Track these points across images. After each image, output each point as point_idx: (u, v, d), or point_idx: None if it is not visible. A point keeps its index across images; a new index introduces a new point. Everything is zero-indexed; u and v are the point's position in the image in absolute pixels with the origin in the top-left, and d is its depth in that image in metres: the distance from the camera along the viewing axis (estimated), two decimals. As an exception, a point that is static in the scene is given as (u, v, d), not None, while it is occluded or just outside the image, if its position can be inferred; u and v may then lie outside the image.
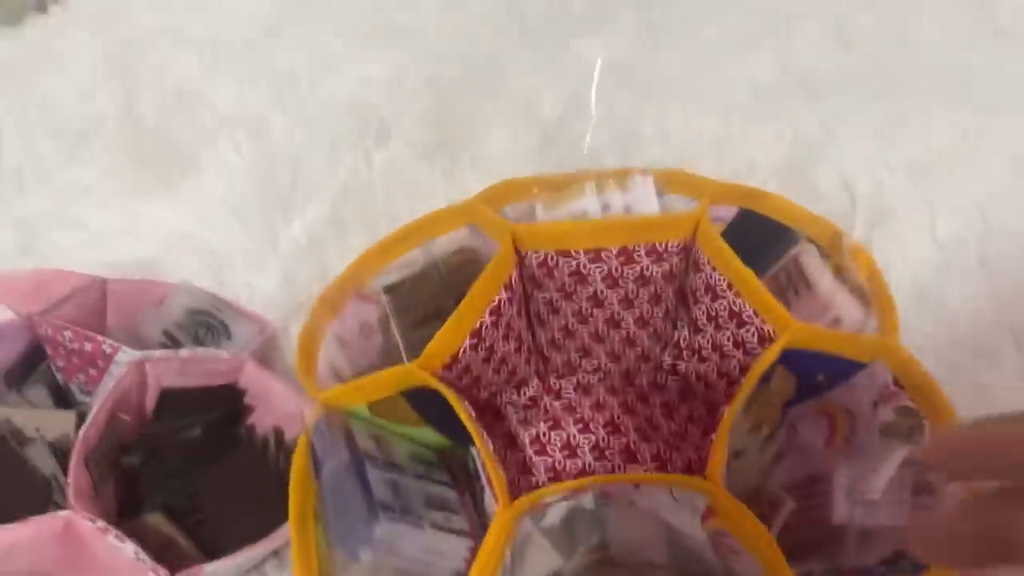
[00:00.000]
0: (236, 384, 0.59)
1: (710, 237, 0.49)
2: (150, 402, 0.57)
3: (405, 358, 0.52)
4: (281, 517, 0.50)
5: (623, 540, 0.47)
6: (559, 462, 0.56)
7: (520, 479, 0.55)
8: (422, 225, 0.56)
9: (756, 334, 0.48)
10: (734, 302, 0.48)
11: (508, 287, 0.49)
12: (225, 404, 0.58)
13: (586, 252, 0.50)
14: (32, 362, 0.56)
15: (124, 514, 0.52)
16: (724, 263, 0.48)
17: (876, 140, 0.76)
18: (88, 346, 0.54)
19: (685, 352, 0.56)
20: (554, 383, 0.59)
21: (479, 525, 0.47)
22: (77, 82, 0.90)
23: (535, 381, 0.58)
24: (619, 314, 0.53)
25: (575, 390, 0.59)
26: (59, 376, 0.57)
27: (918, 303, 0.64)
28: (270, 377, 0.58)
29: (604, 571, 0.49)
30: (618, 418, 0.57)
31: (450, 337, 0.46)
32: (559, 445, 0.56)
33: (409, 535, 0.43)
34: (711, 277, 0.49)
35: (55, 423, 0.53)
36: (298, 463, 0.47)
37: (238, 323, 0.64)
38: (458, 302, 0.47)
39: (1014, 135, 0.75)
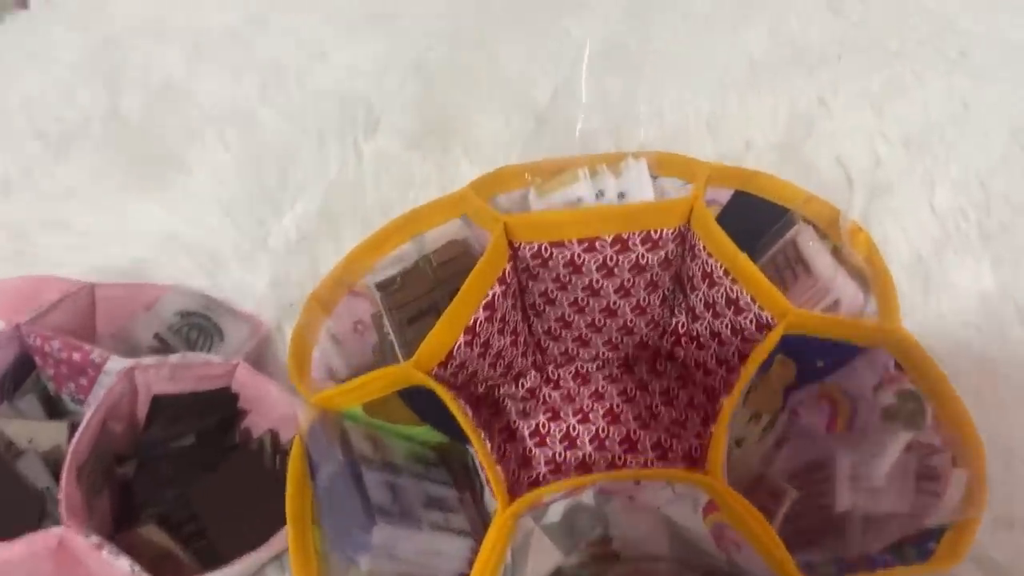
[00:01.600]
0: (229, 388, 0.58)
1: (705, 222, 0.48)
2: (142, 410, 0.56)
3: (400, 356, 0.52)
4: (279, 522, 0.49)
5: (625, 534, 0.47)
6: (559, 453, 0.55)
7: (520, 471, 0.55)
8: (412, 218, 0.55)
9: (754, 321, 0.47)
10: (731, 289, 0.48)
11: (502, 280, 0.49)
12: (218, 409, 0.57)
13: (580, 242, 0.49)
14: (22, 372, 0.56)
15: (120, 525, 0.52)
16: (720, 249, 0.47)
17: (872, 111, 0.74)
18: (76, 355, 0.54)
19: (683, 339, 0.55)
20: (552, 373, 0.58)
21: (480, 524, 0.47)
22: (60, 80, 0.89)
23: (533, 373, 0.58)
24: (616, 303, 0.53)
25: (574, 379, 0.58)
26: (50, 386, 0.57)
27: (918, 277, 0.63)
28: (264, 380, 0.57)
29: (606, 565, 0.49)
30: (617, 407, 0.56)
31: (444, 335, 0.46)
32: (559, 436, 0.56)
33: (408, 538, 0.43)
34: (707, 264, 0.49)
35: (47, 434, 0.53)
36: (294, 467, 0.46)
37: (231, 324, 0.64)
38: (451, 296, 0.46)
39: (1013, 103, 0.74)
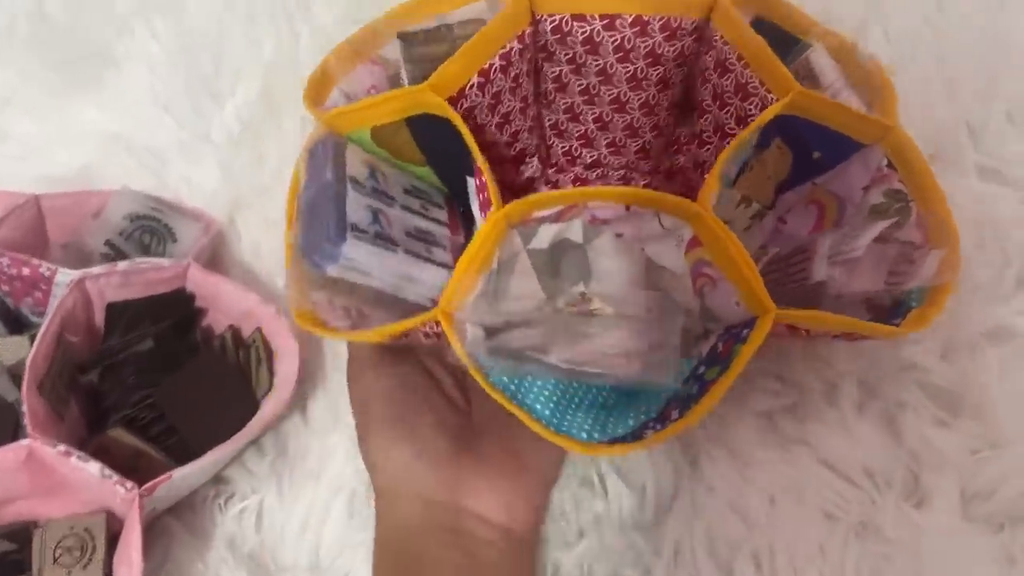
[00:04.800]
0: (184, 289, 0.59)
1: (726, 12, 0.49)
2: (99, 318, 0.57)
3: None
4: (250, 412, 0.53)
5: (604, 289, 0.48)
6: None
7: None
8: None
9: (759, 104, 0.48)
10: (742, 74, 0.49)
11: (521, 39, 0.50)
12: (175, 311, 0.59)
13: (601, 18, 0.50)
14: None
15: (94, 431, 0.54)
16: (738, 33, 0.48)
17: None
18: (26, 270, 0.55)
19: (685, 147, 0.57)
20: (552, 176, 0.60)
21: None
22: None
23: (535, 162, 0.59)
24: (626, 95, 0.54)
25: (573, 184, 0.60)
26: (8, 301, 0.58)
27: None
28: (218, 279, 0.59)
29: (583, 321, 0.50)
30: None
31: (459, 65, 0.47)
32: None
33: (378, 257, 0.44)
34: (722, 51, 0.50)
35: (10, 349, 0.54)
36: (293, 184, 0.48)
37: (182, 224, 0.64)
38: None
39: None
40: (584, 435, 0.41)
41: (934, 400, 0.53)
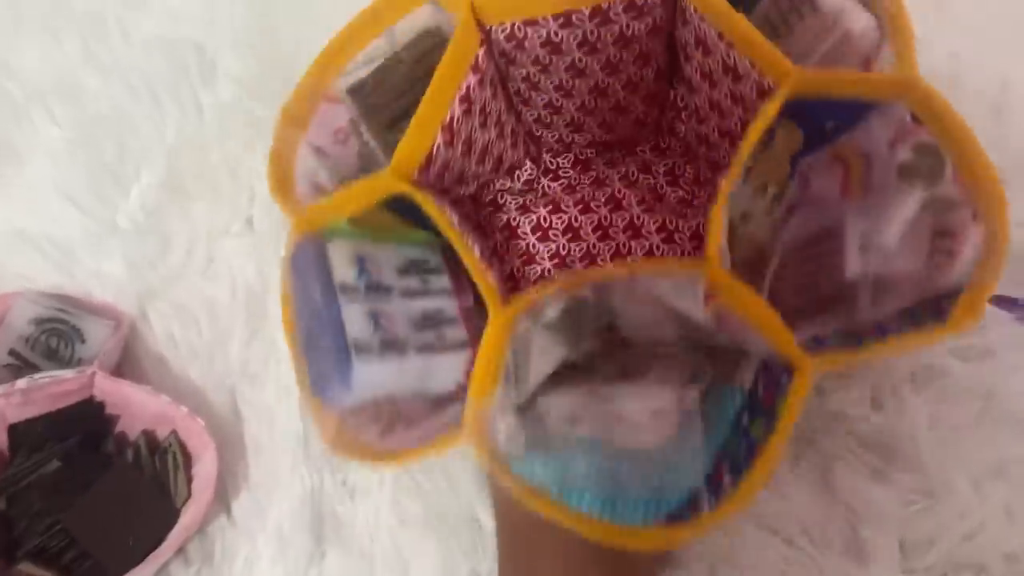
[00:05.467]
0: (91, 399, 0.56)
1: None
2: (2, 439, 0.54)
3: (383, 161, 0.48)
4: (167, 525, 0.50)
5: (631, 321, 0.45)
6: (563, 246, 0.53)
7: (525, 268, 0.54)
8: (377, 10, 0.49)
9: (754, 88, 0.43)
10: (727, 55, 0.43)
11: (476, 68, 0.44)
12: (82, 424, 0.56)
13: (555, 18, 0.44)
14: None
15: (8, 562, 0.51)
16: (711, 8, 0.42)
17: None
18: None
19: (683, 113, 0.51)
20: (551, 162, 0.55)
21: (481, 332, 0.44)
22: None
23: (528, 164, 0.55)
24: (604, 81, 0.48)
25: (573, 167, 0.55)
26: None
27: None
28: (124, 385, 0.56)
29: (616, 352, 0.47)
30: (619, 192, 0.54)
31: (418, 138, 0.42)
32: (561, 229, 0.54)
33: (390, 369, 0.42)
34: (700, 29, 0.44)
35: None
36: (284, 300, 0.44)
37: (90, 323, 0.61)
38: (431, 93, 0.43)
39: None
40: (639, 518, 0.39)
41: (867, 450, 0.50)
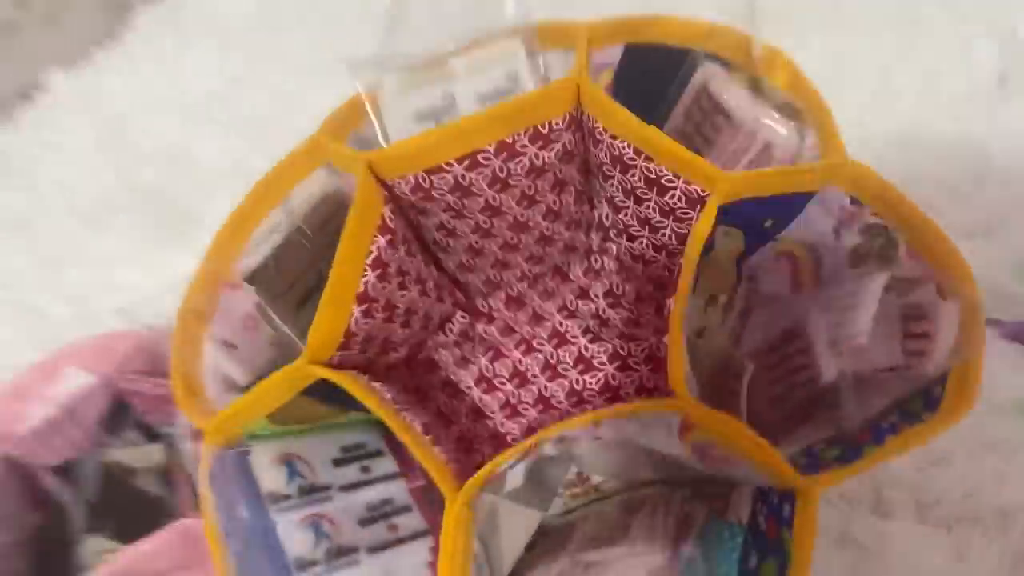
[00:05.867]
0: None
1: (597, 100, 0.40)
2: None
3: (299, 344, 0.44)
4: None
5: (601, 469, 0.42)
6: (512, 394, 0.49)
7: (476, 426, 0.49)
8: (270, 184, 0.46)
9: (683, 198, 0.40)
10: (647, 168, 0.40)
11: (384, 229, 0.41)
12: None
13: (459, 161, 0.41)
14: (119, 411, 0.58)
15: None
16: (622, 126, 0.40)
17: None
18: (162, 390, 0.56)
19: (612, 232, 0.48)
20: (482, 305, 0.51)
21: (441, 509, 0.41)
22: (78, 162, 0.94)
23: (459, 314, 0.51)
24: (523, 215, 0.45)
25: (507, 306, 0.51)
26: (142, 418, 0.57)
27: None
28: None
29: (595, 505, 0.44)
30: (561, 325, 0.50)
31: (331, 317, 0.38)
32: (507, 375, 0.50)
33: None
34: (614, 147, 0.41)
35: (151, 455, 0.56)
36: (208, 521, 0.39)
37: None
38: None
39: (877, 48, 0.81)
40: None
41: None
